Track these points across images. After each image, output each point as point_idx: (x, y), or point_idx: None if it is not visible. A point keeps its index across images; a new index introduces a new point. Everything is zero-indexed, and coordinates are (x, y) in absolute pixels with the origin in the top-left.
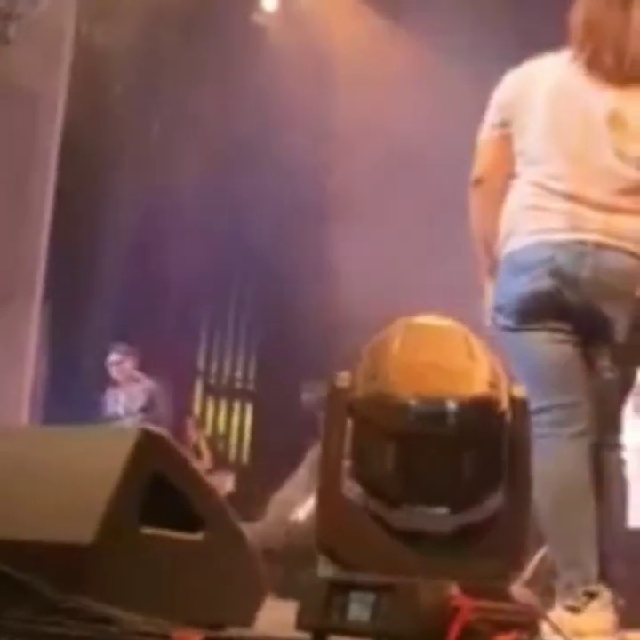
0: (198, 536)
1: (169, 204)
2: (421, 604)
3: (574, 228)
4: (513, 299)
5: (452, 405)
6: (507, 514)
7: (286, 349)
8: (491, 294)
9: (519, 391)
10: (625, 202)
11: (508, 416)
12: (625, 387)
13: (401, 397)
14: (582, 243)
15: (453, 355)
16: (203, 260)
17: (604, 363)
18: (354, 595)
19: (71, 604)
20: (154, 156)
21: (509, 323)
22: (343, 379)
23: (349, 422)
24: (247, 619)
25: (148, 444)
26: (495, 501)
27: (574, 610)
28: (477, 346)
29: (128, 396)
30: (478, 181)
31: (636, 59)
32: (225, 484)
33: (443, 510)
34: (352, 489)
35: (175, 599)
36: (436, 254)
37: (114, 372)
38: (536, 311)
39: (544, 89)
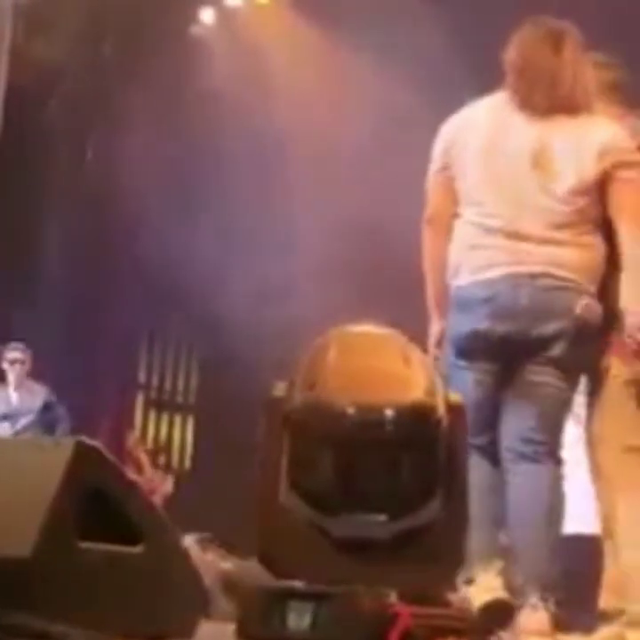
0: (137, 549)
1: (108, 213)
2: (360, 611)
3: (511, 263)
4: (455, 336)
5: (389, 412)
6: (444, 520)
7: (227, 362)
8: (436, 324)
9: (456, 398)
10: (560, 235)
11: (445, 422)
12: (566, 402)
13: (338, 405)
14: (520, 275)
15: (389, 362)
16: (143, 273)
17: (546, 379)
18: (293, 604)
19: (9, 620)
20: (88, 172)
21: (452, 357)
22: (279, 388)
23: (286, 432)
24: (188, 630)
25: (83, 457)
26: (433, 507)
27: None
28: (414, 353)
29: (26, 394)
30: (428, 221)
31: (567, 95)
32: (165, 486)
33: (381, 517)
34: (291, 499)
35: (114, 612)
36: (375, 261)
37: (14, 371)
38: (471, 351)
39: (478, 133)
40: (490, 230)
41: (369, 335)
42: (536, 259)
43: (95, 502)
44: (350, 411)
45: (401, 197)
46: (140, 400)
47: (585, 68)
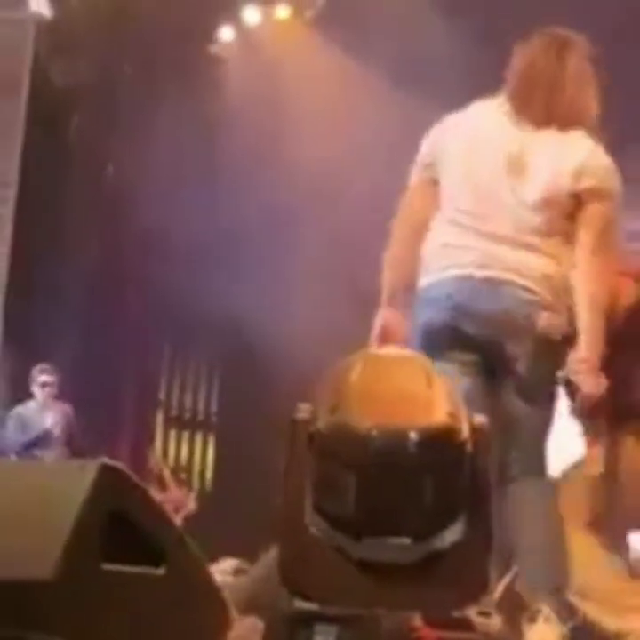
0: (160, 570)
1: (128, 229)
2: (385, 635)
3: (480, 266)
4: (419, 330)
5: (413, 436)
6: (468, 542)
7: (248, 380)
8: (379, 321)
9: (480, 420)
10: (531, 240)
11: (469, 445)
12: (537, 420)
13: (361, 429)
14: (484, 279)
15: (413, 384)
16: (164, 290)
17: (509, 396)
18: (318, 628)
19: None
20: (111, 190)
21: (425, 351)
22: (303, 410)
23: (310, 454)
24: None
25: (107, 478)
26: (456, 530)
27: None
28: (436, 376)
29: (56, 414)
30: (402, 219)
31: (565, 107)
32: (189, 504)
33: (405, 540)
34: (315, 522)
35: (138, 634)
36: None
37: (44, 393)
38: (440, 342)
39: (464, 132)
40: (462, 229)
41: (392, 357)
42: (503, 264)
43: (119, 524)
44: (374, 434)
45: None
46: (160, 418)
47: (588, 83)
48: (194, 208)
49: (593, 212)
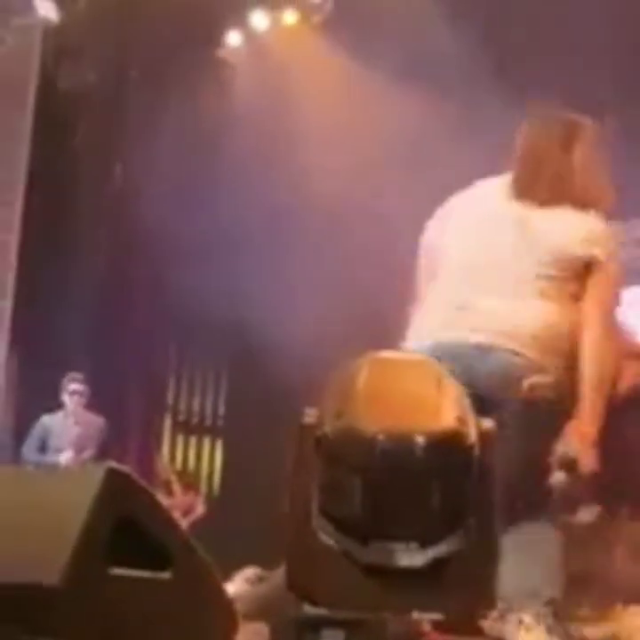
0: (166, 574)
1: (136, 241)
2: (391, 639)
3: (472, 329)
4: None
5: (419, 440)
6: (475, 548)
7: (256, 385)
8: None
9: (487, 424)
10: (531, 295)
11: (476, 450)
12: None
13: (368, 433)
14: (477, 346)
15: (421, 388)
16: (172, 295)
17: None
18: (325, 632)
19: None
20: (117, 195)
21: None
22: (310, 415)
23: (317, 459)
24: None
25: (114, 483)
26: (463, 535)
27: None
28: (446, 380)
29: (86, 424)
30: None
31: (579, 192)
32: (197, 508)
33: (411, 545)
34: (321, 526)
35: (144, 638)
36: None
37: (73, 402)
38: None
39: (467, 208)
40: (453, 296)
41: (400, 361)
42: (495, 324)
43: (125, 528)
44: (380, 438)
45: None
46: (167, 422)
47: (596, 171)
48: (200, 210)
49: (600, 281)
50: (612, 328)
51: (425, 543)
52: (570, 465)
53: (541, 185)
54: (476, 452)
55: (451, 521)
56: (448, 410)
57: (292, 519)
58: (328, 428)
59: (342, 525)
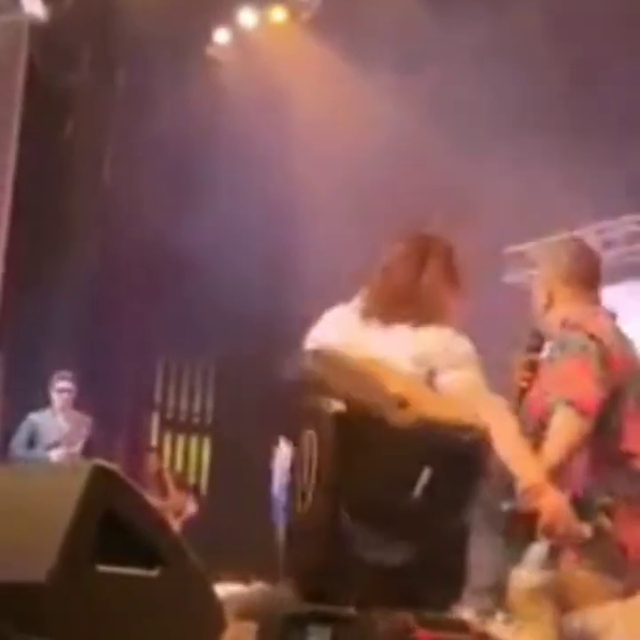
0: (154, 572)
1: (123, 238)
2: (379, 635)
3: None
4: None
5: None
6: (455, 540)
7: (244, 382)
8: None
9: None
10: None
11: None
12: None
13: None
14: None
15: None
16: (159, 293)
17: None
18: (312, 628)
19: None
20: (106, 192)
21: None
22: (337, 405)
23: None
24: None
25: (100, 480)
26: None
27: None
28: None
29: (74, 421)
30: None
31: (419, 308)
32: (189, 507)
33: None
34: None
35: (132, 636)
36: None
37: (61, 400)
38: None
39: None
40: None
41: None
42: None
43: (112, 526)
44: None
45: (423, 216)
46: (155, 421)
47: (443, 286)
48: (188, 209)
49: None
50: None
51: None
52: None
53: (387, 302)
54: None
55: (454, 513)
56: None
57: (292, 514)
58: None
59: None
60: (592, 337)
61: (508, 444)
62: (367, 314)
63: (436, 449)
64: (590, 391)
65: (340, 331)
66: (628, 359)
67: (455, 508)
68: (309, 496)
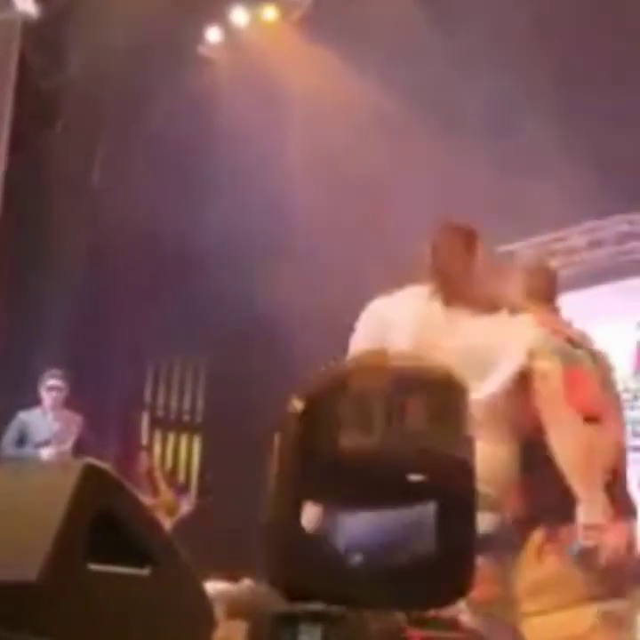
0: (145, 571)
1: (113, 239)
2: (370, 635)
3: None
4: None
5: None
6: (451, 541)
7: (235, 380)
8: None
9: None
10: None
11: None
12: None
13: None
14: None
15: None
16: (149, 293)
17: None
18: (303, 627)
19: None
20: (97, 191)
21: None
22: (296, 405)
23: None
24: None
25: (92, 479)
26: (440, 525)
27: None
28: None
29: (64, 420)
30: None
31: (481, 300)
32: (182, 507)
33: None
34: (303, 518)
35: (124, 634)
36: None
37: (51, 398)
38: None
39: (406, 325)
40: None
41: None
42: None
43: (103, 524)
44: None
45: (414, 214)
46: (145, 419)
47: (493, 270)
48: (180, 208)
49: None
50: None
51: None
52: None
53: (458, 292)
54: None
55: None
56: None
57: (272, 513)
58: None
59: (326, 495)
60: None
61: (578, 463)
62: (446, 302)
63: None
64: None
65: (425, 322)
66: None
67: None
68: (272, 496)
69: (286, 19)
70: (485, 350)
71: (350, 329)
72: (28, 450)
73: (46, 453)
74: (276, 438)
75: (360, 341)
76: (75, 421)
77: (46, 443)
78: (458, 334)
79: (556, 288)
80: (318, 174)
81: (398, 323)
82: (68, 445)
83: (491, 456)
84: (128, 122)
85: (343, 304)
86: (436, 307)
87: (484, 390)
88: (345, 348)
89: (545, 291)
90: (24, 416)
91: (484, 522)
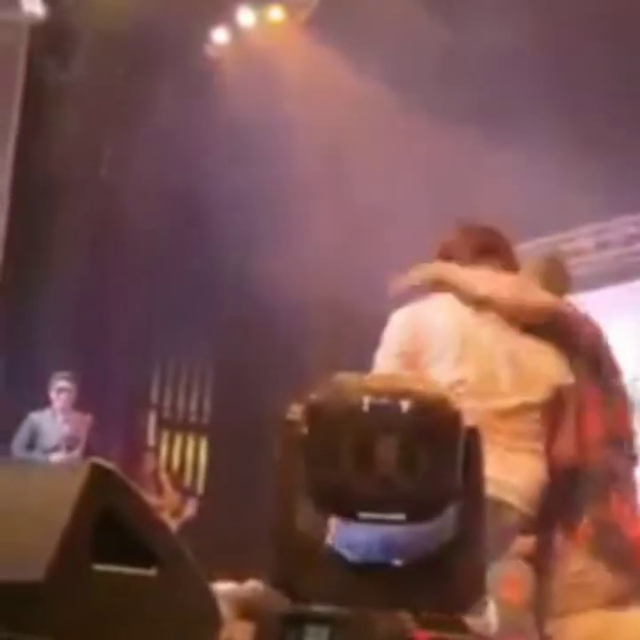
0: (151, 571)
1: (119, 238)
2: (377, 636)
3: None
4: None
5: (405, 401)
6: (461, 541)
7: (241, 381)
8: None
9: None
10: (520, 444)
11: (462, 418)
12: None
13: (356, 395)
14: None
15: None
16: (156, 292)
17: None
18: (309, 628)
19: None
20: (104, 192)
21: None
22: (294, 412)
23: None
24: None
25: (98, 479)
26: (450, 514)
27: None
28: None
29: (74, 422)
30: None
31: (531, 314)
32: (188, 508)
33: (399, 516)
34: (308, 519)
35: (129, 635)
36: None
37: (60, 400)
38: None
39: (446, 323)
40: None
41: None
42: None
43: (110, 525)
44: (366, 398)
45: (415, 213)
46: (152, 420)
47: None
48: (185, 206)
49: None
50: None
51: (413, 516)
52: None
53: (503, 311)
54: (462, 424)
55: (438, 496)
56: (434, 385)
57: (277, 515)
58: (317, 396)
59: (329, 500)
60: None
61: None
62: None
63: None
64: None
65: (463, 327)
66: None
67: (444, 489)
68: (276, 498)
69: (293, 19)
70: (529, 359)
71: (366, 332)
72: (37, 455)
73: (56, 458)
74: (277, 444)
75: (394, 349)
76: (84, 422)
77: (56, 448)
78: (501, 340)
79: (569, 281)
80: (322, 173)
81: (441, 328)
82: (77, 452)
83: (531, 470)
84: (135, 122)
85: (347, 296)
86: (469, 313)
87: (533, 397)
88: (354, 355)
89: (560, 283)
90: (35, 417)
91: (527, 545)
